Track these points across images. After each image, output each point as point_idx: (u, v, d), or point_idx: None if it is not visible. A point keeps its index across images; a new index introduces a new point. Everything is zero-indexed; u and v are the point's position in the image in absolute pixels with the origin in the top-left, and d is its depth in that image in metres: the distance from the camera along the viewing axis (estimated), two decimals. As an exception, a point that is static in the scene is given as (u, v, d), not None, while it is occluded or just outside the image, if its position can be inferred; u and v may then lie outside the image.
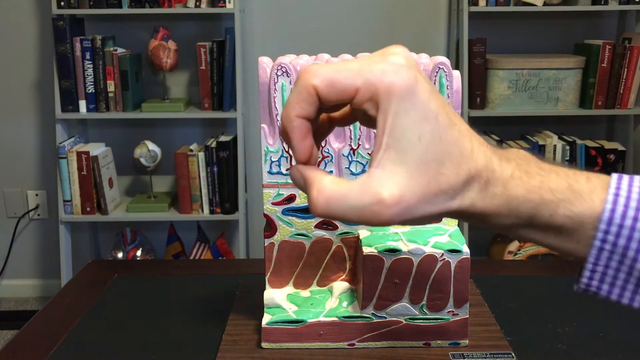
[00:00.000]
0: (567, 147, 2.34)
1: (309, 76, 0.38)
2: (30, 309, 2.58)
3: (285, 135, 0.40)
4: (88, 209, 2.33)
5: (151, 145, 2.33)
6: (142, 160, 2.33)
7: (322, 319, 0.74)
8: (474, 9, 2.27)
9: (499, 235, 2.38)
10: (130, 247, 2.44)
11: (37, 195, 2.61)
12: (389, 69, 0.37)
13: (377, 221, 0.37)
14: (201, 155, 2.31)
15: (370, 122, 0.39)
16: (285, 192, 0.75)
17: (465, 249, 0.72)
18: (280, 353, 0.74)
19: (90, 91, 2.30)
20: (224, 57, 2.28)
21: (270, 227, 0.77)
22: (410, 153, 0.36)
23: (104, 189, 2.33)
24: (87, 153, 2.28)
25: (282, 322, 0.74)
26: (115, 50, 2.30)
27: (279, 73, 0.71)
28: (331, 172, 0.74)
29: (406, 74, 0.37)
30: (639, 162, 2.45)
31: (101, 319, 0.84)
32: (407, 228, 0.76)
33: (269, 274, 0.78)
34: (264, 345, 0.74)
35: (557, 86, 2.30)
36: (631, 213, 0.36)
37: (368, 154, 0.74)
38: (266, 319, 0.74)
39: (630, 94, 2.32)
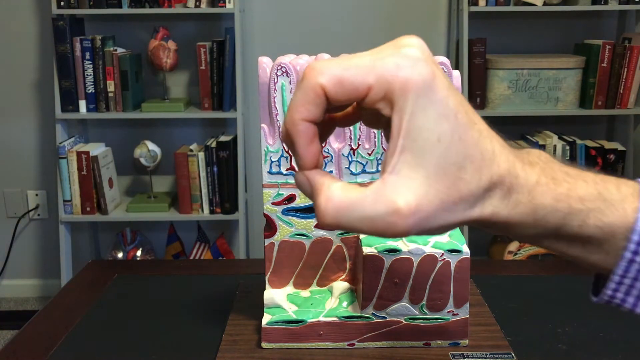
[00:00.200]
0: (567, 147, 2.34)
1: (315, 74, 0.34)
2: (30, 309, 2.58)
3: (288, 140, 0.36)
4: (88, 209, 2.33)
5: (151, 145, 2.33)
6: (142, 160, 2.33)
7: (322, 319, 0.74)
8: (474, 9, 2.27)
9: (499, 235, 2.38)
10: (130, 247, 2.44)
11: (37, 195, 2.61)
12: (405, 63, 0.33)
13: (391, 233, 0.34)
14: (201, 155, 2.31)
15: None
16: (285, 192, 0.75)
17: (465, 248, 0.72)
18: (280, 353, 0.74)
19: (90, 91, 2.30)
20: (224, 57, 2.28)
21: (270, 227, 0.77)
22: (429, 156, 0.33)
23: (104, 189, 2.33)
24: (87, 153, 2.28)
25: (282, 322, 0.74)
26: (115, 50, 2.30)
27: (279, 73, 0.71)
28: (331, 172, 0.74)
29: (423, 68, 0.33)
30: (639, 162, 2.45)
31: (101, 319, 0.84)
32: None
33: (269, 274, 0.78)
34: (264, 345, 0.74)
35: (557, 86, 2.30)
36: None
37: (368, 154, 0.74)
38: (266, 319, 0.74)
39: (630, 94, 2.32)
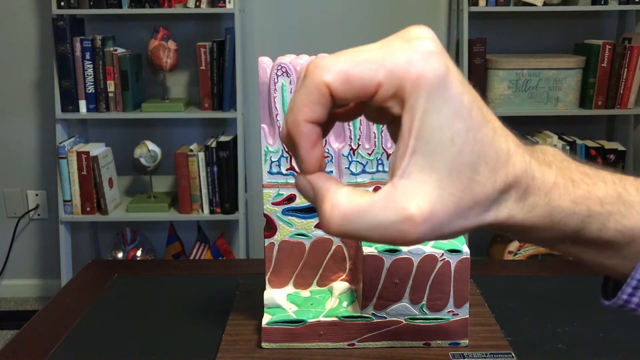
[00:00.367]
0: (567, 147, 2.34)
1: (320, 72, 0.31)
2: (30, 309, 2.58)
3: (290, 142, 0.33)
4: (88, 209, 2.33)
5: (151, 145, 2.33)
6: (142, 160, 2.33)
7: (322, 319, 0.74)
8: (474, 9, 2.27)
9: (499, 235, 2.38)
10: (130, 247, 2.44)
11: (37, 195, 2.61)
12: (417, 57, 0.30)
13: (402, 241, 0.31)
14: (201, 155, 2.31)
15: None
16: (285, 192, 0.75)
17: (465, 248, 0.72)
18: (280, 353, 0.74)
19: (90, 91, 2.30)
20: (224, 57, 2.28)
21: (270, 227, 0.77)
22: (442, 158, 0.31)
23: (104, 189, 2.33)
24: (87, 153, 2.28)
25: (282, 322, 0.74)
26: (115, 50, 2.30)
27: (279, 73, 0.71)
28: (331, 172, 0.74)
29: (437, 62, 0.30)
30: (639, 162, 2.45)
31: (101, 319, 0.84)
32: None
33: (269, 274, 0.78)
34: (264, 345, 0.74)
35: (557, 86, 2.30)
36: None
37: (368, 154, 0.74)
38: (266, 319, 0.74)
39: (630, 94, 2.32)
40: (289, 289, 0.79)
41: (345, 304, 0.76)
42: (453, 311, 0.74)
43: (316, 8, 2.47)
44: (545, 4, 2.28)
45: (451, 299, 0.73)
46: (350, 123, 0.73)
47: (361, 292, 0.74)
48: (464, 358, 0.72)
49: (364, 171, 0.75)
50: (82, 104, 2.31)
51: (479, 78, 2.31)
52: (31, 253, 2.68)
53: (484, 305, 0.84)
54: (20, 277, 2.68)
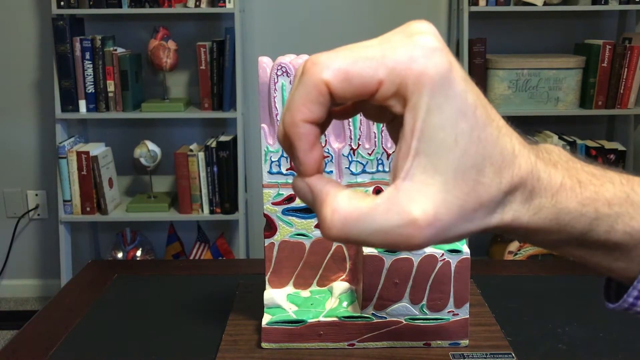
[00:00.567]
0: (567, 147, 2.34)
1: (318, 69, 0.30)
2: (30, 309, 2.58)
3: (287, 144, 0.31)
4: (88, 209, 2.33)
5: (151, 145, 2.33)
6: (142, 160, 2.33)
7: (322, 319, 0.74)
8: (474, 9, 2.27)
9: (499, 235, 2.38)
10: (130, 247, 2.44)
11: (37, 195, 2.61)
12: (419, 54, 0.29)
13: (406, 245, 0.30)
14: (201, 155, 2.31)
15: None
16: (285, 192, 0.75)
17: (465, 249, 0.72)
18: (280, 353, 0.74)
19: (90, 91, 2.30)
20: (224, 57, 2.28)
21: (270, 227, 0.76)
22: (445, 159, 0.30)
23: (104, 189, 2.33)
24: (87, 153, 2.28)
25: (282, 322, 0.74)
26: (115, 50, 2.30)
27: (279, 73, 0.71)
28: (331, 172, 0.74)
29: (440, 59, 0.29)
30: (639, 162, 2.45)
31: (101, 319, 0.84)
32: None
33: (269, 274, 0.78)
34: (264, 345, 0.74)
35: (557, 86, 2.30)
36: None
37: (368, 154, 0.74)
38: (266, 319, 0.74)
39: (631, 94, 2.32)
40: (289, 289, 0.79)
41: (345, 304, 0.76)
42: (453, 311, 0.74)
43: (316, 8, 2.47)
44: (545, 4, 2.28)
45: (451, 299, 0.73)
46: (351, 123, 0.73)
47: (361, 292, 0.74)
48: (464, 358, 0.72)
49: (364, 171, 0.75)
50: (82, 104, 2.31)
51: (479, 78, 2.31)
52: (31, 253, 2.68)
53: (484, 305, 0.84)
54: (20, 277, 2.68)
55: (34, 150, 2.58)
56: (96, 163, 2.30)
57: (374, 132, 0.74)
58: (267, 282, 0.78)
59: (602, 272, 0.36)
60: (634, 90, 2.32)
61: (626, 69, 2.29)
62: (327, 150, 0.74)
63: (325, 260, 0.78)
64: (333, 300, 0.77)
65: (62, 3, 2.22)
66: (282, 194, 0.75)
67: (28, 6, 2.46)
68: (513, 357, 0.72)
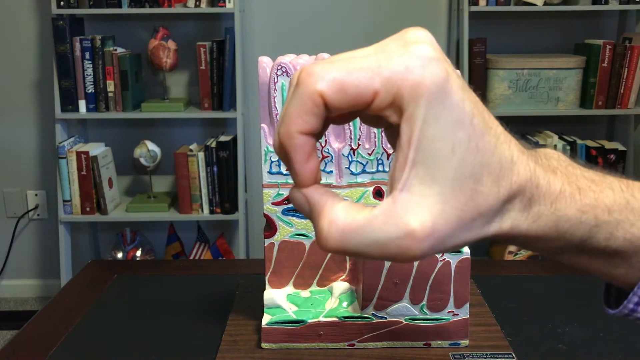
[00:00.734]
0: (568, 147, 2.34)
1: (313, 80, 0.29)
2: (30, 309, 2.58)
3: (283, 155, 0.31)
4: (88, 209, 2.33)
5: (151, 145, 2.33)
6: (142, 160, 2.33)
7: (322, 319, 0.74)
8: (474, 8, 2.27)
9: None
10: (130, 247, 2.44)
11: (36, 195, 2.61)
12: (415, 64, 0.29)
13: (404, 257, 0.30)
14: (201, 155, 2.31)
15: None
16: (285, 192, 0.75)
17: (466, 249, 0.72)
18: (280, 353, 0.74)
19: (90, 91, 2.30)
20: (224, 57, 2.28)
21: (270, 227, 0.76)
22: (443, 169, 0.29)
23: (104, 189, 2.33)
24: (86, 153, 2.28)
25: (282, 323, 0.74)
26: (115, 50, 2.30)
27: (279, 73, 0.71)
28: (331, 172, 0.74)
29: (436, 69, 0.29)
30: (639, 163, 2.45)
31: (101, 319, 0.84)
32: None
33: (269, 274, 0.78)
34: (264, 345, 0.74)
35: (557, 86, 2.30)
36: None
37: (368, 154, 0.74)
38: (266, 319, 0.74)
39: (631, 94, 2.32)
40: (289, 289, 0.79)
41: (345, 304, 0.76)
42: (453, 311, 0.73)
43: (316, 8, 2.47)
44: (545, 4, 2.28)
45: (451, 299, 0.73)
46: (350, 123, 0.73)
47: (361, 292, 0.74)
48: (464, 358, 0.72)
49: (364, 171, 0.75)
50: (82, 104, 2.31)
51: (479, 78, 2.31)
52: (31, 253, 2.68)
53: (484, 305, 0.84)
54: (20, 277, 2.68)
55: (33, 150, 2.58)
56: (96, 163, 2.30)
57: (374, 132, 0.74)
58: (267, 282, 0.78)
59: (602, 278, 0.36)
60: (634, 90, 2.32)
61: (626, 69, 2.29)
62: (327, 150, 0.74)
63: (325, 261, 0.78)
64: (333, 300, 0.77)
65: (62, 3, 2.22)
66: (282, 194, 0.75)
67: (28, 6, 2.46)
68: (513, 357, 0.72)
